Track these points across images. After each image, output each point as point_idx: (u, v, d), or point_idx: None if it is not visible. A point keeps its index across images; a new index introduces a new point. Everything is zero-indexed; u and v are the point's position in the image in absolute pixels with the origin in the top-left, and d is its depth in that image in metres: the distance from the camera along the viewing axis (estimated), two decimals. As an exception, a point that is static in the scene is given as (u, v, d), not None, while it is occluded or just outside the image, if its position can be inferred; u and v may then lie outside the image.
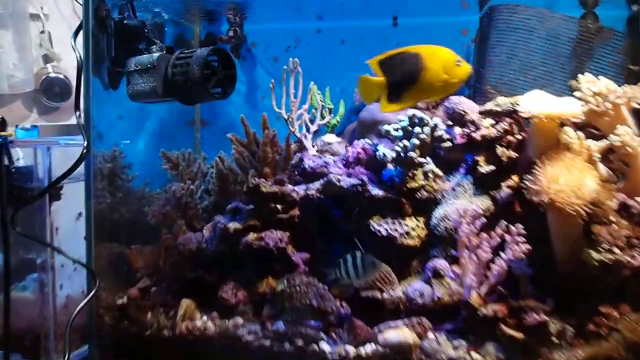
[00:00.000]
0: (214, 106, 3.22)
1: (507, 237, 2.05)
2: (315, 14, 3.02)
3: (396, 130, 2.40)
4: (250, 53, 3.20)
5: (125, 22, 2.42)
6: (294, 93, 2.54)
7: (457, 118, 2.44)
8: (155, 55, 2.28)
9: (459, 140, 2.41)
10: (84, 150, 2.13)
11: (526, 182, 2.01)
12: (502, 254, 2.05)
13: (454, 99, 2.48)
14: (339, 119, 2.80)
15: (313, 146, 2.56)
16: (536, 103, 2.04)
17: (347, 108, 2.94)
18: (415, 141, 2.31)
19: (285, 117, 2.55)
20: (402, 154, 2.33)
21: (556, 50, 2.55)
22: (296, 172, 2.53)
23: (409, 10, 2.95)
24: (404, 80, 1.81)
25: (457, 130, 2.43)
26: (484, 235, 2.10)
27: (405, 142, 2.32)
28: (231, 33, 3.05)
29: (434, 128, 2.35)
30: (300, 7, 2.93)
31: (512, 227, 2.05)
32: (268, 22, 3.11)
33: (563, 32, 2.53)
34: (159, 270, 2.40)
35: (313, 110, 2.60)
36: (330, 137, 2.68)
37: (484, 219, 2.13)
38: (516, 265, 2.06)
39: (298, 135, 2.54)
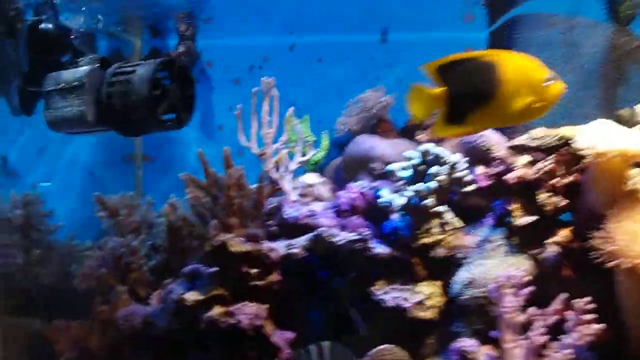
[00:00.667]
0: (160, 138, 2.60)
1: (569, 314, 1.53)
2: (287, 27, 2.47)
3: (405, 169, 1.87)
4: (205, 74, 2.64)
5: (42, 26, 1.83)
6: (268, 122, 1.96)
7: (478, 154, 1.93)
8: (84, 69, 1.72)
9: (483, 182, 1.91)
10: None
11: (592, 240, 1.50)
12: (562, 338, 1.53)
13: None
14: (322, 155, 2.24)
15: (294, 189, 1.98)
16: (602, 137, 1.54)
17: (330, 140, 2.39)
18: (433, 185, 1.79)
19: (257, 152, 1.97)
20: (414, 202, 1.79)
21: (586, 69, 2.09)
22: (272, 223, 1.97)
23: (401, 23, 2.45)
24: (471, 96, 1.28)
25: (480, 169, 1.92)
26: (534, 310, 1.58)
27: (421, 186, 1.78)
28: (182, 48, 2.47)
29: (453, 167, 1.82)
30: (269, 17, 2.38)
31: (575, 302, 1.53)
32: (228, 36, 2.55)
33: (595, 47, 2.08)
34: (90, 355, 1.92)
35: (291, 144, 2.03)
36: (311, 178, 2.12)
37: (530, 288, 1.61)
38: (579, 352, 1.54)
39: (274, 175, 1.96)
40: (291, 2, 2.29)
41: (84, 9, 2.09)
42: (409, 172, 1.89)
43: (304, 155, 2.11)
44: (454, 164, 1.85)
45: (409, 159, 1.91)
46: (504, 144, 1.95)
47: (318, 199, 2.13)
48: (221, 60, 2.63)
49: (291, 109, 2.01)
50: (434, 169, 1.83)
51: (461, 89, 1.29)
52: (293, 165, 2.04)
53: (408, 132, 2.41)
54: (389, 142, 2.29)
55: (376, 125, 2.43)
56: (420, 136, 2.28)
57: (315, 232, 1.85)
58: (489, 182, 1.93)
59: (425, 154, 1.87)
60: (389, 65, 2.53)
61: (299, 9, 2.33)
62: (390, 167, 1.92)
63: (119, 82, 1.66)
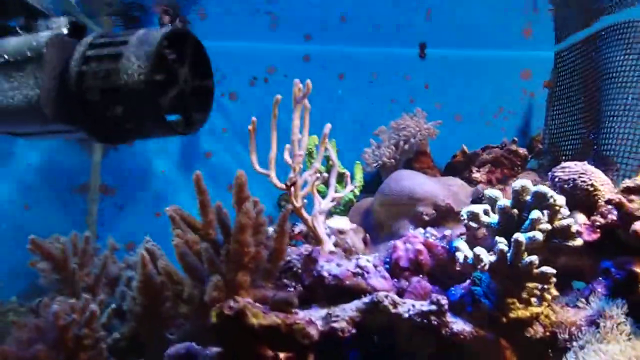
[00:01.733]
0: (123, 162, 1.97)
1: None
2: (301, 32, 1.94)
3: (487, 214, 1.35)
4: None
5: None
6: (298, 141, 1.41)
7: (580, 197, 1.43)
8: (43, 35, 1.11)
9: (587, 235, 1.40)
10: None
11: None
12: None
13: (572, 165, 1.48)
14: (357, 192, 1.69)
15: (329, 236, 1.42)
16: None
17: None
18: (536, 235, 1.27)
19: (282, 185, 1.40)
20: (510, 259, 1.27)
21: None
22: (291, 283, 1.39)
23: (442, 37, 1.96)
24: None
25: (581, 218, 1.42)
26: None
27: (521, 236, 1.26)
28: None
29: (556, 210, 1.33)
30: (279, 17, 1.85)
31: None
32: (224, 37, 1.97)
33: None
34: None
35: (322, 175, 1.47)
36: (341, 222, 1.56)
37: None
38: None
39: (305, 216, 1.39)
40: (304, 9, 1.76)
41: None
42: (495, 219, 1.37)
43: (340, 189, 1.56)
44: (560, 206, 1.35)
45: (494, 199, 1.39)
46: (610, 183, 1.47)
47: (350, 251, 1.57)
48: (215, 69, 2.04)
49: (328, 126, 1.46)
50: (535, 214, 1.31)
51: None
52: (327, 204, 1.47)
53: (455, 169, 1.90)
54: (437, 181, 1.78)
55: (413, 160, 1.91)
56: (477, 175, 1.77)
57: (369, 299, 1.28)
58: (596, 236, 1.43)
59: (520, 192, 1.35)
60: (426, 85, 2.03)
61: (316, 10, 1.80)
62: (468, 209, 1.39)
63: (101, 57, 1.07)
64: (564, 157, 1.81)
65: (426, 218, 1.68)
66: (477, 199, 1.74)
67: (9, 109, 1.08)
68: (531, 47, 1.97)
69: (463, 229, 1.69)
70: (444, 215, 1.71)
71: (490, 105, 2.08)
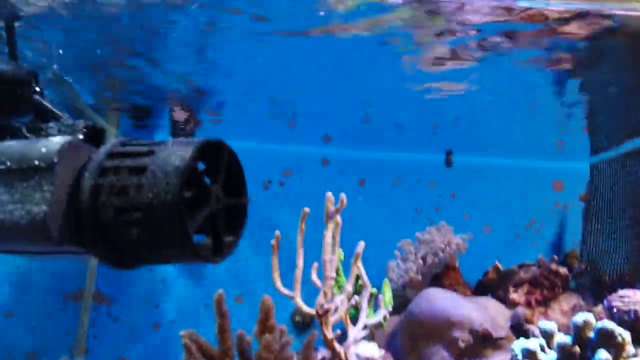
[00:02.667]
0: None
1: None
2: (320, 132, 1.82)
3: (543, 349, 1.19)
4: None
5: (-12, 63, 1.09)
6: (330, 261, 1.25)
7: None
8: (58, 141, 0.96)
9: (653, 376, 1.23)
10: None
11: None
12: None
13: (629, 293, 1.34)
14: (388, 315, 1.52)
15: (361, 371, 1.24)
16: None
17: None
18: (608, 381, 1.10)
19: (310, 310, 1.23)
20: (578, 408, 1.10)
21: None
22: None
23: (471, 144, 1.85)
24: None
25: (643, 354, 1.27)
26: None
27: (590, 382, 1.09)
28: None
29: (624, 348, 1.17)
30: (298, 115, 1.74)
31: None
32: (237, 136, 1.84)
33: None
34: None
35: (355, 299, 1.30)
36: (369, 348, 1.38)
37: None
38: None
39: (337, 348, 1.21)
40: (324, 106, 1.65)
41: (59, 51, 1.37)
42: (553, 356, 1.20)
43: (372, 314, 1.38)
44: (627, 343, 1.19)
45: (550, 333, 1.23)
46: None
47: (379, 383, 1.38)
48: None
49: (362, 244, 1.31)
50: (603, 354, 1.15)
51: None
52: (359, 332, 1.29)
53: (487, 287, 1.74)
54: (473, 301, 1.61)
55: (441, 276, 1.75)
56: (514, 296, 1.62)
57: None
58: (666, 378, 1.26)
59: (583, 328, 1.19)
60: (452, 194, 1.91)
61: (335, 115, 1.69)
62: (522, 345, 1.22)
63: (123, 169, 0.92)
64: (607, 278, 1.67)
65: (462, 345, 1.51)
66: (518, 324, 1.58)
67: (6, 226, 0.91)
68: (564, 158, 1.88)
69: (501, 357, 1.52)
70: (481, 342, 1.54)
71: (521, 217, 1.96)
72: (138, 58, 1.45)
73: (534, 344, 1.23)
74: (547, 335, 1.25)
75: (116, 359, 1.76)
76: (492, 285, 1.75)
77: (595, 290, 1.66)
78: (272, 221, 1.64)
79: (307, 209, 1.32)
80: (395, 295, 1.75)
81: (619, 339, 1.17)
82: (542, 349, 1.24)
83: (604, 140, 1.75)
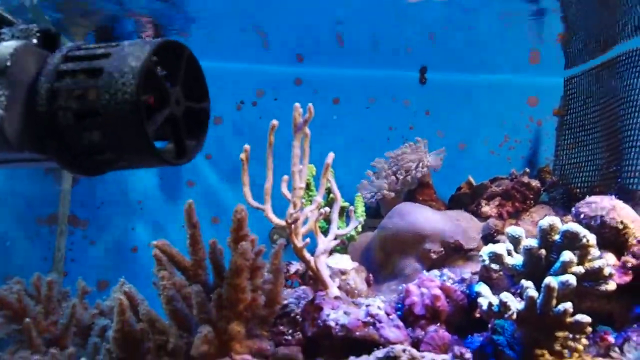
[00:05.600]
0: (96, 190, 1.78)
1: None
2: (293, 51, 1.79)
3: (509, 254, 1.22)
4: (175, 107, 1.84)
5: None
6: (298, 173, 1.26)
7: (609, 236, 1.31)
8: (10, 44, 0.92)
9: (617, 277, 1.28)
10: None
11: None
12: None
13: (596, 200, 1.36)
14: (360, 228, 1.54)
15: (332, 277, 1.26)
16: None
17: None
18: (569, 279, 1.14)
19: (279, 221, 1.24)
20: (540, 306, 1.13)
21: None
22: (298, 331, 1.24)
23: (444, 60, 1.83)
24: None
25: (610, 258, 1.30)
26: None
27: (552, 281, 1.12)
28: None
29: (588, 251, 1.20)
30: (269, 35, 1.70)
31: None
32: (209, 56, 1.81)
33: None
34: None
35: (325, 210, 1.31)
36: (342, 261, 1.41)
37: None
38: None
39: (307, 257, 1.23)
40: (297, 20, 1.61)
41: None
42: (519, 260, 1.23)
43: (342, 225, 1.40)
44: (591, 248, 1.21)
45: (517, 238, 1.25)
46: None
47: (352, 292, 1.41)
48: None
49: (331, 155, 1.31)
50: (567, 256, 1.18)
51: None
52: (330, 243, 1.31)
53: (460, 201, 1.76)
54: (444, 215, 1.63)
55: (415, 192, 1.77)
56: (486, 208, 1.64)
57: (384, 353, 1.12)
58: (627, 278, 1.30)
59: (548, 231, 1.21)
60: (426, 112, 1.91)
61: (310, 29, 1.66)
62: (489, 249, 1.24)
63: (79, 72, 0.90)
64: (578, 190, 1.69)
65: (434, 256, 1.53)
66: (489, 235, 1.60)
67: (-36, 133, 0.91)
68: (538, 73, 1.86)
69: (472, 268, 1.55)
70: (452, 253, 1.57)
71: (495, 133, 1.96)
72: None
73: (500, 247, 1.25)
74: (515, 241, 1.27)
75: (96, 281, 1.77)
76: (464, 200, 1.77)
77: (567, 203, 1.69)
78: (245, 139, 1.65)
79: (275, 121, 1.31)
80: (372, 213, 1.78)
81: (584, 240, 1.19)
82: (509, 253, 1.26)
83: (578, 53, 1.73)
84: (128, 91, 0.84)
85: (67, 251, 1.80)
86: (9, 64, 0.89)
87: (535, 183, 1.70)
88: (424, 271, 1.46)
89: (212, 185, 1.64)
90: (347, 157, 1.89)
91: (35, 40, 0.97)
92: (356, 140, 1.93)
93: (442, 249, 1.54)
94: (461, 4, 1.51)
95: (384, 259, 1.58)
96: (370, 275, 1.51)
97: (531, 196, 1.68)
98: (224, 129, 1.88)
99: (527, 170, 1.74)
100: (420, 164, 1.75)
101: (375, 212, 1.80)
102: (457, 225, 1.59)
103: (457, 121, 1.95)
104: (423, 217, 1.57)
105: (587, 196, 1.50)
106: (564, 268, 1.18)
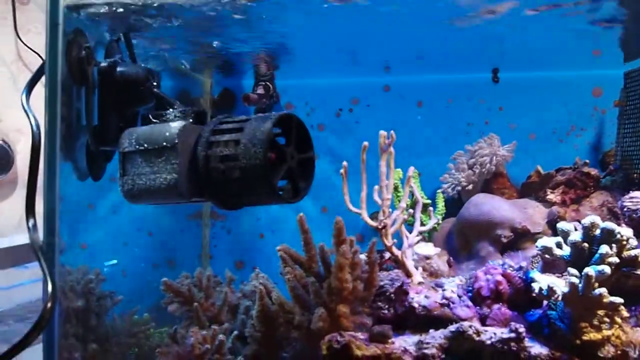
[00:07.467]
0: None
1: None
2: (381, 64, 2.10)
3: (559, 247, 1.50)
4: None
5: (119, 69, 1.47)
6: (386, 186, 1.60)
7: (647, 225, 1.56)
8: (175, 126, 1.35)
9: (657, 260, 1.53)
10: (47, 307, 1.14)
11: None
12: None
13: (637, 195, 1.61)
14: (441, 221, 1.87)
15: (417, 268, 1.61)
16: None
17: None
18: (607, 270, 1.41)
19: (374, 224, 1.60)
20: (581, 290, 1.42)
21: None
22: (392, 307, 1.60)
23: (515, 61, 2.07)
24: None
25: (650, 243, 1.56)
26: None
27: (591, 270, 1.40)
28: (260, 90, 2.09)
29: (624, 244, 1.46)
30: (359, 53, 2.01)
31: None
32: (311, 75, 2.18)
33: None
34: None
35: (409, 212, 1.66)
36: (427, 248, 1.74)
37: None
38: None
39: (395, 252, 1.59)
40: (384, 39, 1.90)
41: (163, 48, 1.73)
42: (567, 251, 1.52)
43: (425, 223, 1.74)
44: (627, 239, 1.48)
45: (566, 232, 1.54)
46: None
47: (436, 274, 1.76)
48: (304, 102, 2.25)
49: (412, 169, 1.64)
50: (604, 249, 1.45)
51: None
52: (414, 238, 1.66)
53: (530, 189, 2.04)
54: (514, 204, 1.92)
55: (491, 181, 2.06)
56: (551, 196, 1.91)
57: (455, 328, 1.46)
58: (665, 261, 1.55)
59: (591, 227, 1.49)
60: (500, 108, 2.17)
61: (394, 46, 1.95)
62: (542, 242, 1.55)
63: (223, 142, 1.30)
64: (636, 174, 1.90)
65: (504, 240, 1.84)
66: (552, 220, 1.88)
67: (151, 189, 1.33)
68: (602, 66, 2.06)
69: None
70: (521, 237, 1.87)
71: (563, 123, 2.18)
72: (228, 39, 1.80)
73: (550, 241, 1.54)
74: (564, 234, 1.56)
75: (233, 261, 2.23)
76: (534, 187, 2.03)
77: (626, 186, 1.91)
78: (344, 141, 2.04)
79: (366, 143, 1.64)
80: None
81: (618, 236, 1.47)
82: (559, 246, 1.56)
83: (635, 49, 1.91)
84: (259, 157, 1.24)
85: (211, 239, 2.26)
86: (177, 141, 1.31)
87: (594, 172, 1.93)
88: (489, 261, 1.76)
89: (318, 180, 1.99)
90: (431, 151, 2.20)
91: (191, 120, 1.38)
92: (439, 135, 2.22)
93: (511, 233, 1.84)
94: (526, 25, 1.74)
95: (463, 242, 1.91)
96: (451, 258, 1.85)
97: (591, 184, 1.91)
98: (326, 134, 2.24)
99: (587, 161, 1.96)
100: (494, 157, 2.03)
101: (457, 201, 2.10)
102: (525, 212, 1.88)
103: (527, 114, 2.17)
104: (495, 207, 1.87)
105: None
106: (602, 259, 1.46)
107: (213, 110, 2.21)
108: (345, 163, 1.66)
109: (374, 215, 1.73)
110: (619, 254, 1.49)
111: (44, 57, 1.38)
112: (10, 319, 1.86)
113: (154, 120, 1.40)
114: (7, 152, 2.19)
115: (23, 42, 2.14)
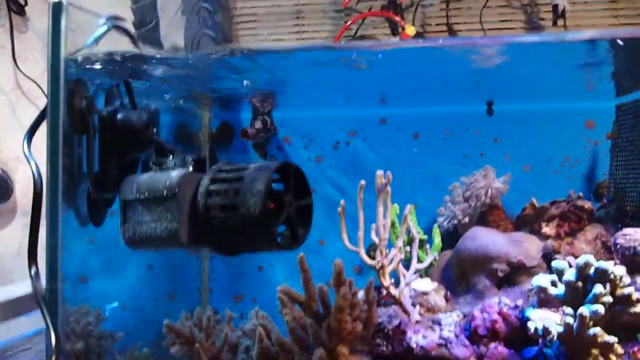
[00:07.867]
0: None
1: None
2: (377, 97, 2.13)
3: (554, 285, 1.53)
4: (283, 151, 2.26)
5: (119, 116, 1.49)
6: (383, 226, 1.62)
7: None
8: (175, 175, 1.38)
9: (651, 299, 1.55)
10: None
11: None
12: None
13: (630, 232, 1.64)
14: (437, 257, 1.89)
15: (414, 305, 1.63)
16: None
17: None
18: (601, 309, 1.44)
19: (372, 262, 1.62)
20: (576, 330, 1.44)
21: None
22: (389, 347, 1.62)
23: (510, 93, 2.11)
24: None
25: (643, 281, 1.59)
26: None
27: (585, 310, 1.43)
28: (258, 124, 2.12)
29: (617, 282, 1.49)
30: (355, 88, 2.04)
31: None
32: (308, 108, 2.21)
33: None
34: None
35: (405, 250, 1.68)
36: (424, 284, 1.77)
37: None
38: None
39: (393, 292, 1.61)
40: (381, 76, 1.93)
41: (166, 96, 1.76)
42: (562, 290, 1.54)
43: (421, 260, 1.76)
44: (620, 277, 1.51)
45: (560, 271, 1.56)
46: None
47: (433, 310, 1.78)
48: (301, 135, 2.28)
49: (409, 207, 1.66)
50: (598, 289, 1.48)
51: None
52: (410, 277, 1.69)
53: (525, 221, 2.07)
54: (509, 237, 1.95)
55: (486, 213, 2.09)
56: (546, 229, 1.94)
57: (453, 368, 1.49)
58: (658, 298, 1.58)
59: (585, 267, 1.51)
60: (495, 139, 2.20)
61: (390, 81, 1.98)
62: (536, 281, 1.57)
63: (223, 192, 1.32)
64: (629, 207, 1.93)
65: (500, 274, 1.87)
66: (548, 254, 1.91)
67: (152, 237, 1.35)
68: (594, 99, 2.09)
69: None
70: (517, 270, 1.89)
71: (557, 154, 2.21)
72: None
73: (545, 280, 1.57)
74: (559, 273, 1.58)
75: (232, 295, 2.25)
76: (529, 219, 2.06)
77: (620, 218, 1.94)
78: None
79: (363, 182, 1.66)
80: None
81: (612, 276, 1.49)
82: (554, 284, 1.58)
83: (628, 83, 1.94)
84: (258, 207, 1.27)
85: (210, 272, 2.28)
86: (177, 190, 1.34)
87: (588, 205, 1.95)
88: (486, 298, 1.78)
89: (318, 212, 2.02)
90: (428, 182, 2.23)
91: (190, 168, 1.40)
92: (435, 167, 2.25)
93: (507, 267, 1.87)
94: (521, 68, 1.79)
95: (460, 275, 1.93)
96: (448, 292, 1.87)
97: (585, 217, 1.94)
98: (324, 166, 2.26)
99: (581, 194, 1.99)
100: (489, 190, 2.05)
101: (454, 233, 2.12)
102: (521, 246, 1.90)
103: (522, 146, 2.20)
104: (491, 241, 1.90)
105: (638, 214, 1.76)
106: (596, 298, 1.48)
107: (211, 143, 2.24)
108: (342, 202, 1.67)
109: (371, 248, 1.76)
110: (612, 293, 1.51)
111: (41, 86, 1.41)
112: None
113: (154, 168, 1.42)
114: (6, 181, 2.22)
115: (21, 71, 2.17)
